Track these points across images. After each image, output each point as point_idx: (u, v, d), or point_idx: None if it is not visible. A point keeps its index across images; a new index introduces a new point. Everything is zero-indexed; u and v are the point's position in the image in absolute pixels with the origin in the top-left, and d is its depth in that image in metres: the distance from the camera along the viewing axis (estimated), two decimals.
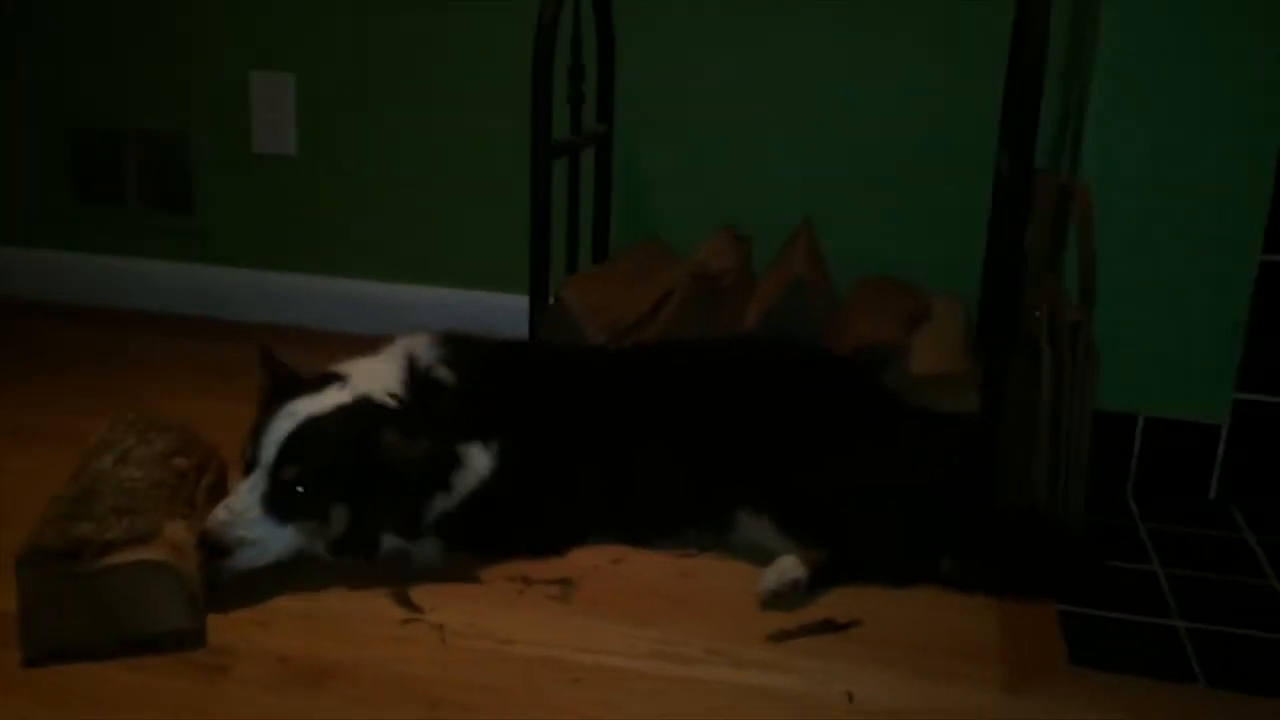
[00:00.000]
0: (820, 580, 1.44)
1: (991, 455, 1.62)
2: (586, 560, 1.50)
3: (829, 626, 1.38)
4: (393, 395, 1.44)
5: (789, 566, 1.43)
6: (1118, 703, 1.26)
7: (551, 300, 1.90)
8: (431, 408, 1.45)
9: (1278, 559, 1.56)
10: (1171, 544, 1.59)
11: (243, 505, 1.36)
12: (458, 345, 1.55)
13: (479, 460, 1.46)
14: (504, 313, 2.03)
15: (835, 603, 1.42)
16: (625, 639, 1.34)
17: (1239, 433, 1.70)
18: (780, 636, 1.36)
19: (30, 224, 2.54)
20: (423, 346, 1.53)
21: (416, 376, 1.48)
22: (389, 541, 1.44)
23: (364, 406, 1.42)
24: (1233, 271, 1.67)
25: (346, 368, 1.49)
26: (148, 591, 1.25)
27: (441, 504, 1.44)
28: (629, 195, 2.24)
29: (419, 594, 1.41)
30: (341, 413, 1.40)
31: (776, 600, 1.41)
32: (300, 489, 1.37)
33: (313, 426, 1.39)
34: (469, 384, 1.50)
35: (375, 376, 1.46)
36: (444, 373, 1.50)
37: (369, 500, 1.39)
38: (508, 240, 2.04)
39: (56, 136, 2.48)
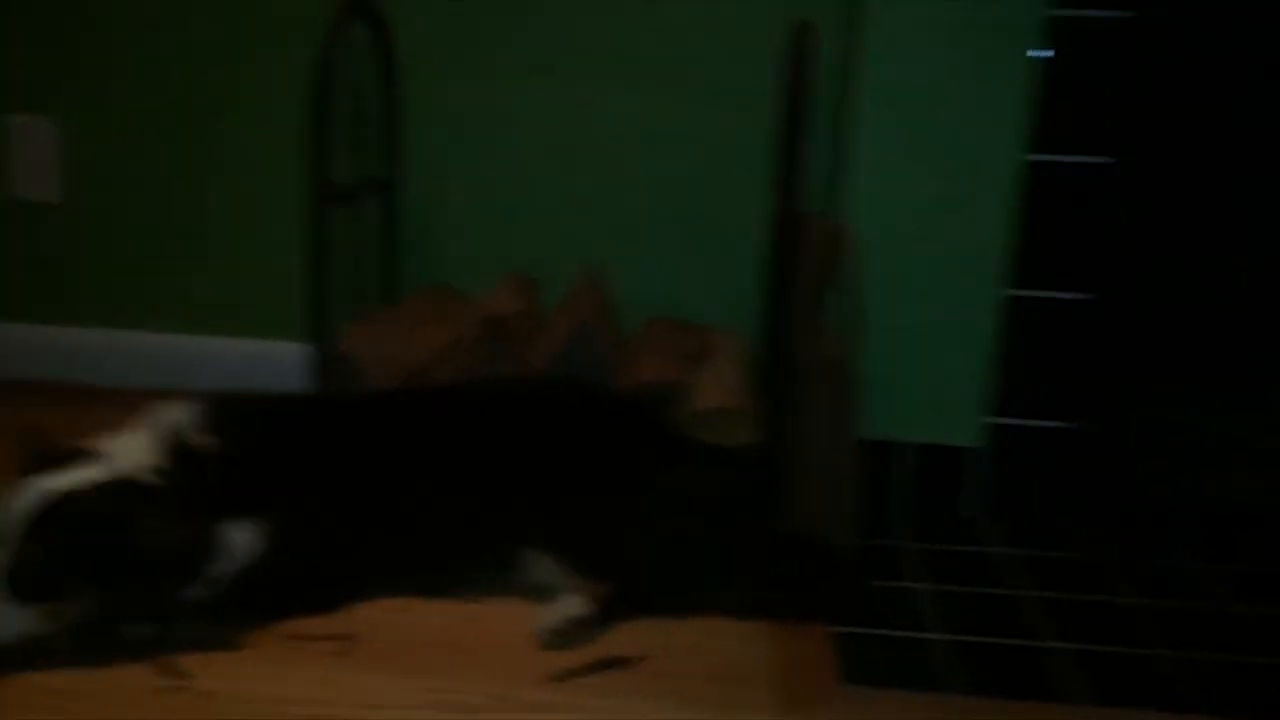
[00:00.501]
0: (605, 617, 1.45)
1: (771, 486, 1.68)
2: (367, 613, 1.47)
3: (613, 663, 1.40)
4: (152, 472, 1.37)
5: (571, 604, 1.44)
6: (886, 716, 1.33)
7: (336, 348, 1.86)
8: (192, 485, 1.38)
9: (1033, 571, 1.67)
10: (934, 563, 1.69)
11: None
12: (221, 408, 1.48)
13: (244, 540, 1.40)
14: (288, 362, 1.97)
15: (620, 639, 1.44)
16: (405, 691, 1.32)
17: (994, 455, 1.83)
18: (564, 676, 1.36)
19: None
20: (183, 414, 1.45)
21: (176, 449, 1.41)
22: (139, 628, 1.37)
23: (119, 486, 1.34)
24: (983, 306, 1.79)
25: (105, 441, 1.41)
26: None
27: (201, 590, 1.38)
28: (416, 241, 2.23)
29: (183, 660, 1.35)
30: (94, 492, 1.33)
31: (559, 640, 1.42)
32: (43, 570, 1.29)
33: (62, 505, 1.30)
34: (234, 452, 1.43)
35: (133, 451, 1.39)
36: (207, 441, 1.43)
37: (119, 586, 1.32)
38: (288, 286, 1.99)
39: None
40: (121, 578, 1.32)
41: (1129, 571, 1.68)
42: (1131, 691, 1.40)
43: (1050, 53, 1.68)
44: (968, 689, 1.39)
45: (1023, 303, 1.77)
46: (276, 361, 2.07)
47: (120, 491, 1.34)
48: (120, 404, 1.51)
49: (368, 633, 1.43)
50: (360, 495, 1.50)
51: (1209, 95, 1.71)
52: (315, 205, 1.82)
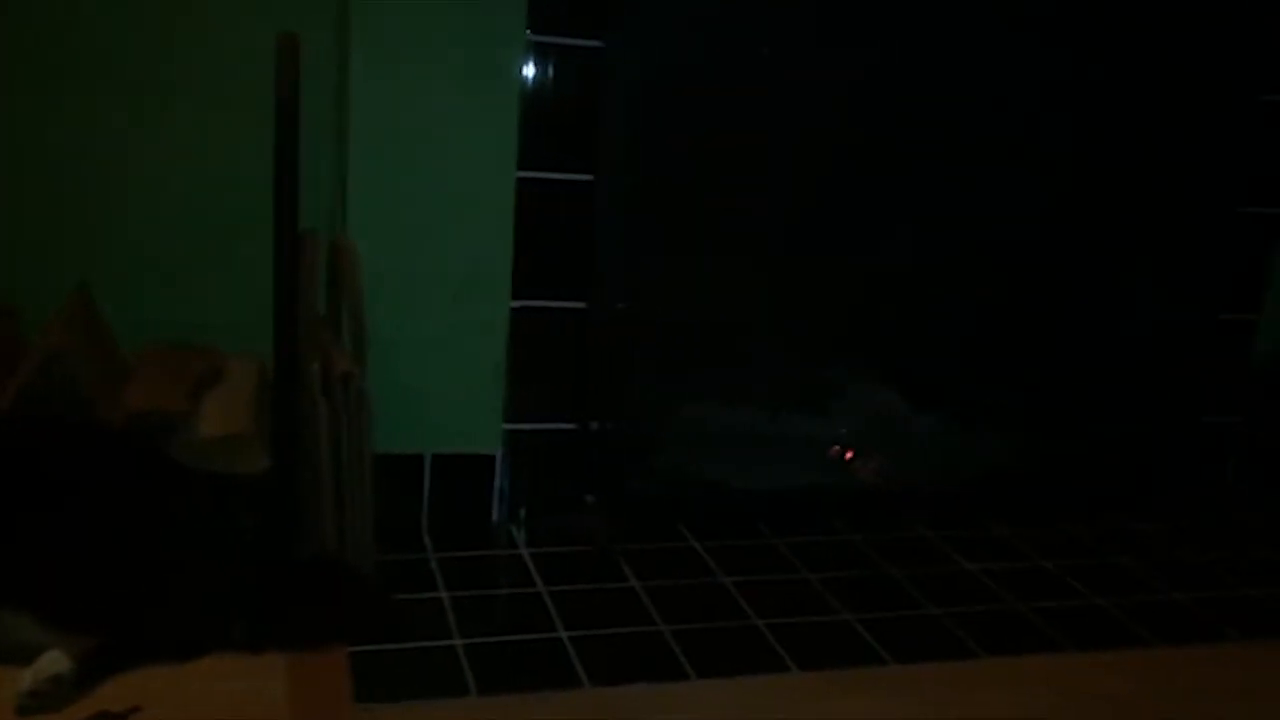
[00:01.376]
0: (94, 671, 1.33)
1: (283, 511, 1.63)
2: None
3: (104, 718, 1.29)
4: None
5: (50, 661, 1.31)
6: None
7: None
8: None
9: (549, 568, 1.76)
10: (458, 569, 1.73)
11: None
12: None
13: None
14: None
15: (113, 693, 1.33)
16: None
17: (511, 460, 1.90)
18: None
19: None
20: None
21: None
22: None
23: None
24: (491, 317, 1.86)
25: None
26: None
27: None
28: None
29: None
30: None
31: (37, 702, 1.28)
32: None
33: None
34: None
35: None
36: None
37: None
38: None
39: None
40: None
41: (639, 556, 1.81)
42: (635, 669, 1.51)
43: (532, 74, 1.78)
44: (484, 689, 1.43)
45: (526, 312, 1.86)
46: None
47: None
48: None
49: None
50: None
51: (676, 112, 1.89)
52: None
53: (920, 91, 1.97)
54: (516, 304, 1.85)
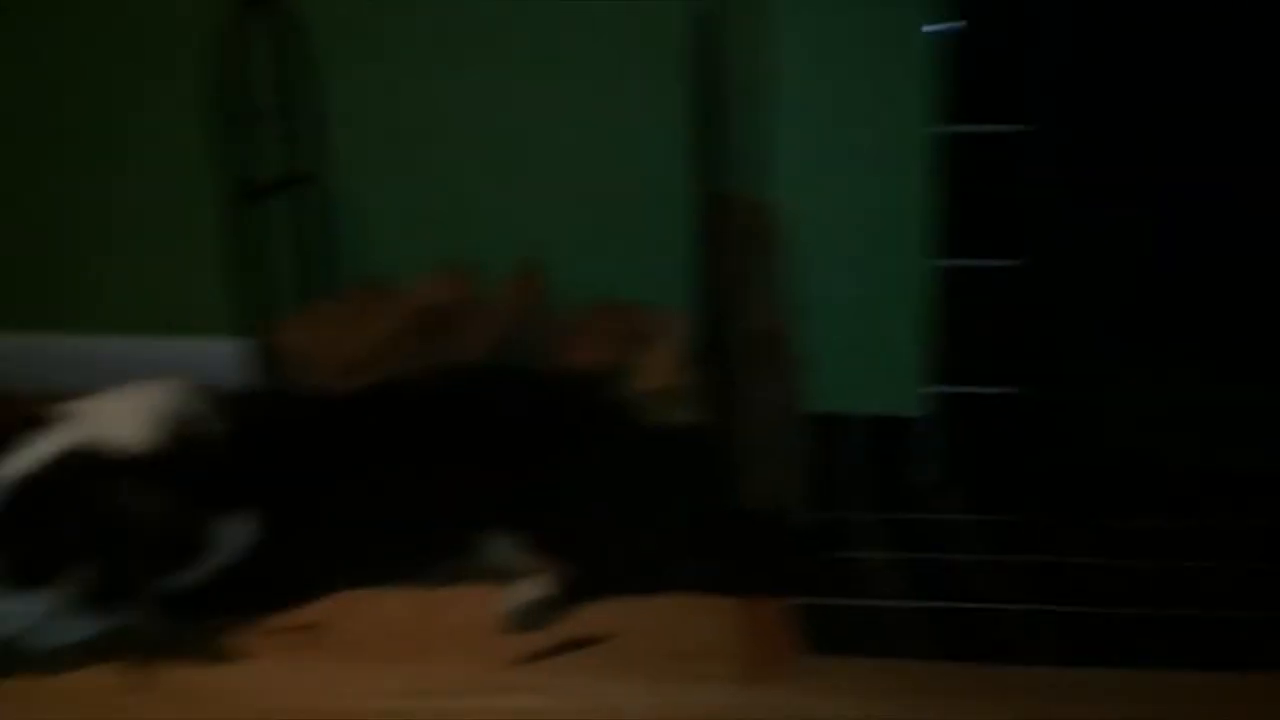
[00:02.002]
0: (568, 597, 1.46)
1: (719, 463, 1.71)
2: (332, 604, 1.46)
3: (579, 643, 1.41)
4: (133, 444, 1.32)
5: (532, 587, 1.45)
6: (855, 683, 1.35)
7: (275, 344, 1.84)
8: (185, 464, 1.34)
9: (986, 536, 1.70)
10: (887, 531, 1.72)
11: None
12: (211, 396, 1.44)
13: (230, 533, 1.39)
14: (218, 359, 1.94)
15: (586, 619, 1.45)
16: (375, 679, 1.31)
17: (939, 423, 1.88)
18: (531, 658, 1.37)
19: None
20: (177, 394, 1.41)
21: (171, 427, 1.36)
22: (125, 608, 1.34)
23: (88, 457, 1.29)
24: (915, 276, 1.84)
25: (69, 409, 1.35)
26: None
27: (181, 580, 1.36)
28: (349, 236, 2.20)
29: (160, 658, 1.32)
30: (61, 468, 1.28)
31: (524, 621, 1.43)
32: (32, 560, 1.26)
33: (28, 492, 1.26)
34: (226, 440, 1.41)
35: (110, 420, 1.33)
36: (200, 425, 1.40)
37: (109, 554, 1.29)
38: (223, 285, 1.96)
39: None
40: (109, 550, 1.28)
41: (1080, 532, 1.72)
42: (1090, 651, 1.44)
43: (960, 25, 1.73)
44: (926, 654, 1.43)
45: (954, 272, 1.83)
46: (209, 358, 2.02)
47: (91, 467, 1.29)
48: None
49: (334, 624, 1.42)
50: (335, 489, 1.48)
51: (1126, 55, 1.78)
52: (233, 203, 1.80)
53: None
54: (946, 263, 1.82)
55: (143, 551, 1.31)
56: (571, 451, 1.57)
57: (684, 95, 2.03)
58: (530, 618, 1.43)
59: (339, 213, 2.16)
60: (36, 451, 1.28)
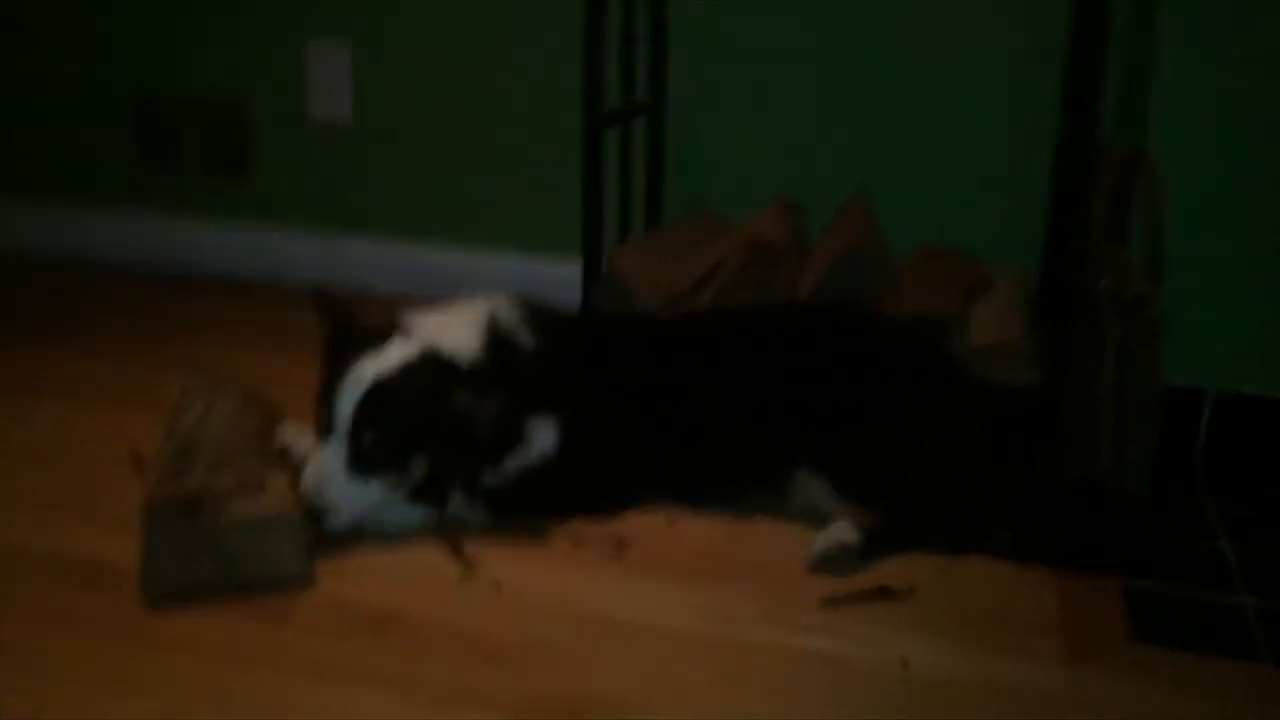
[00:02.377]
0: (874, 547, 1.42)
1: (1052, 427, 1.60)
2: (640, 521, 1.50)
3: (883, 594, 1.37)
4: (466, 353, 1.43)
5: (841, 530, 1.42)
6: (1180, 679, 1.23)
7: (604, 268, 1.89)
8: (508, 373, 1.44)
9: None
10: (1240, 522, 1.55)
11: (329, 469, 1.38)
12: (535, 312, 1.54)
13: (542, 436, 1.46)
14: (555, 280, 2.03)
15: (890, 570, 1.41)
16: (678, 599, 1.34)
17: None
18: (833, 602, 1.34)
19: (95, 185, 2.57)
20: (504, 309, 1.52)
21: (497, 339, 1.47)
22: (455, 497, 1.45)
23: (433, 363, 1.41)
24: None
25: (413, 319, 1.48)
26: (268, 541, 1.31)
27: (496, 476, 1.45)
28: (681, 164, 2.23)
29: (474, 550, 1.42)
30: (410, 372, 1.40)
31: (827, 564, 1.40)
32: (378, 450, 1.38)
33: (383, 391, 1.38)
34: (544, 353, 1.49)
35: (448, 331, 1.45)
36: (524, 339, 1.50)
37: (443, 450, 1.41)
38: (562, 208, 2.04)
39: (121, 101, 2.51)
40: (445, 443, 1.40)
41: None
42: None
43: None
44: (1275, 661, 1.27)
45: None
46: (544, 278, 2.12)
47: (435, 369, 1.40)
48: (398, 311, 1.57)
49: (638, 539, 1.46)
50: (647, 410, 1.53)
51: None
52: (587, 127, 1.85)
53: None
54: None
55: (472, 447, 1.41)
56: (894, 399, 1.51)
57: (1057, 31, 1.89)
58: (835, 563, 1.40)
59: (675, 141, 2.19)
60: (390, 356, 1.41)
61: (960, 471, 1.47)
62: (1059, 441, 1.58)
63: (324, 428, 1.40)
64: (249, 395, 1.56)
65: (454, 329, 1.47)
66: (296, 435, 1.54)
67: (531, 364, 1.48)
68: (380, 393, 1.38)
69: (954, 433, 1.49)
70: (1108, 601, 1.37)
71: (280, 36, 2.39)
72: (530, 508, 1.48)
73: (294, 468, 1.44)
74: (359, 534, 1.42)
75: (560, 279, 2.00)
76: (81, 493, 1.53)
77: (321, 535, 1.38)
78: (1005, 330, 1.75)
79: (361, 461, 1.39)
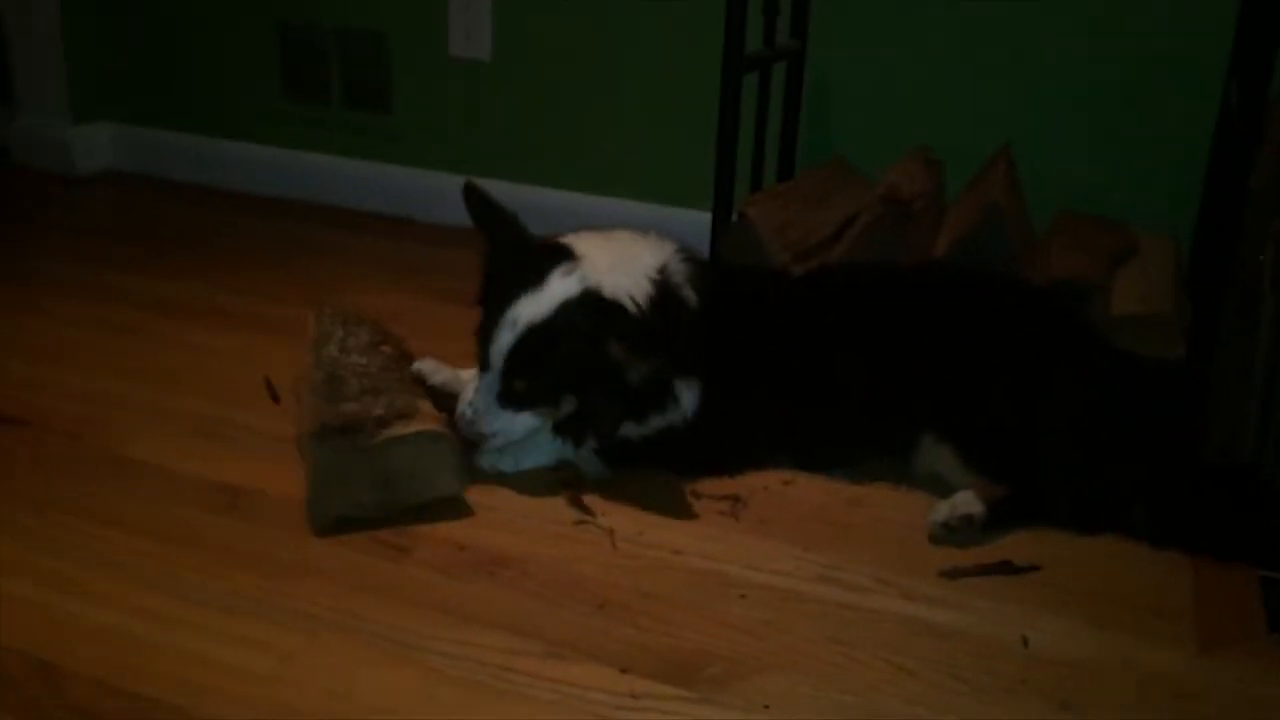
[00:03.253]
0: (998, 519, 1.38)
1: (1197, 405, 1.52)
2: (757, 480, 1.49)
3: (1006, 568, 1.33)
4: (632, 303, 1.38)
5: (965, 501, 1.38)
6: None
7: (735, 217, 1.86)
8: (670, 331, 1.41)
9: None
10: None
11: (484, 403, 1.40)
12: (702, 269, 1.50)
13: (688, 397, 1.45)
14: (684, 227, 2.00)
15: (1014, 544, 1.37)
16: (793, 560, 1.33)
17: None
18: (953, 573, 1.32)
19: (239, 118, 2.65)
20: (676, 263, 1.47)
21: (666, 294, 1.42)
22: (590, 440, 1.45)
23: (594, 307, 1.37)
24: None
25: (582, 246, 1.43)
26: (422, 460, 1.35)
27: (638, 429, 1.44)
28: (818, 113, 2.17)
29: (592, 499, 1.43)
30: (569, 313, 1.37)
31: (947, 534, 1.37)
32: (531, 391, 1.40)
33: (538, 336, 1.37)
34: (704, 314, 1.45)
35: (618, 273, 1.40)
36: (689, 296, 1.45)
37: (595, 393, 1.40)
38: (693, 154, 2.01)
39: (265, 32, 2.56)
40: (597, 383, 1.39)
41: None
42: None
43: None
44: None
45: None
46: (673, 225, 2.10)
47: (594, 314, 1.37)
48: None
49: (755, 499, 1.45)
50: (778, 372, 1.50)
51: None
52: (727, 73, 1.81)
53: None
54: None
55: (624, 394, 1.40)
56: (1030, 368, 1.46)
57: None
58: (956, 533, 1.37)
59: (812, 90, 2.13)
60: (549, 294, 1.38)
61: (1094, 446, 1.42)
62: (1202, 421, 1.50)
63: (481, 364, 1.41)
64: (379, 328, 1.59)
65: (625, 272, 1.41)
66: (434, 369, 1.55)
67: (692, 325, 1.44)
68: (536, 338, 1.37)
69: (1089, 405, 1.44)
70: (1245, 590, 1.31)
71: None
72: (663, 464, 1.47)
73: (434, 398, 1.47)
74: (471, 475, 1.44)
75: (689, 226, 1.98)
76: (219, 416, 1.58)
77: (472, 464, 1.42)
78: (1152, 300, 1.67)
79: (514, 400, 1.40)
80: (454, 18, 2.40)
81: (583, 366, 1.38)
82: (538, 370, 1.38)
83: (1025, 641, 1.21)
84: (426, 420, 1.37)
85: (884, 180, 1.93)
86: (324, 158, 2.58)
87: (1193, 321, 1.63)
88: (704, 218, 1.89)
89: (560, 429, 1.44)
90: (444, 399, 1.50)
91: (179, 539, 1.31)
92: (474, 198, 1.48)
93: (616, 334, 1.37)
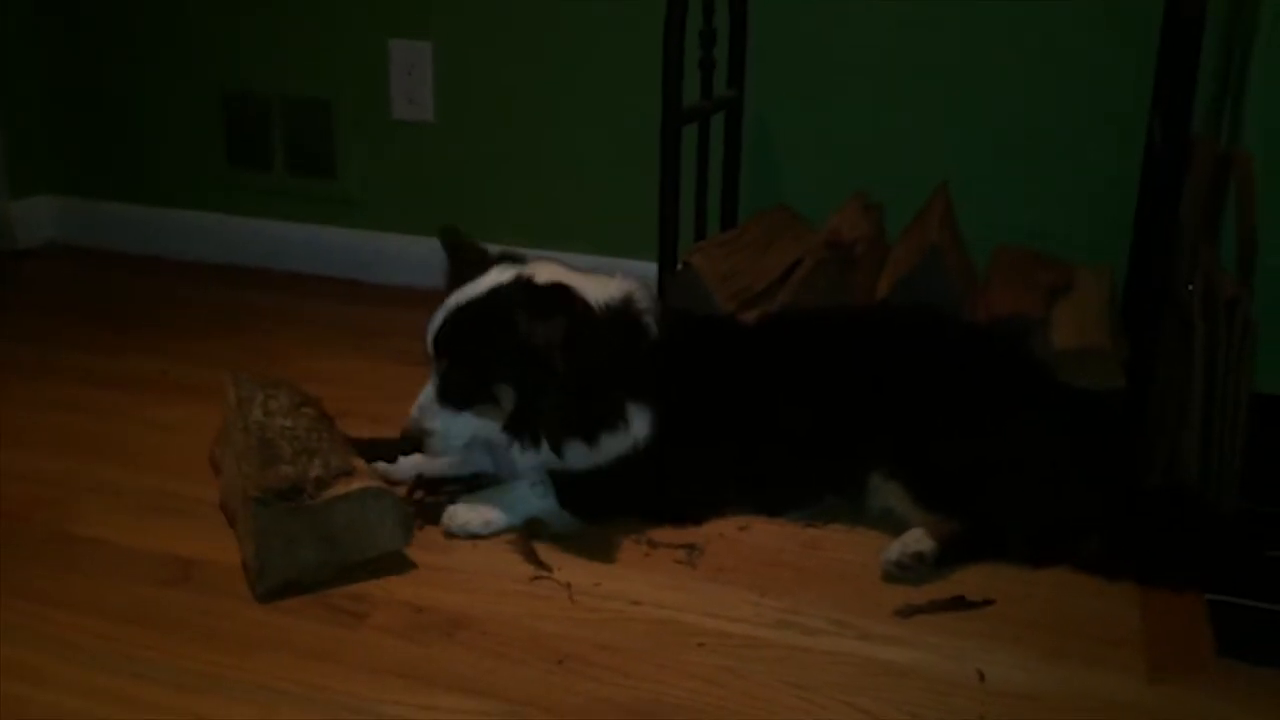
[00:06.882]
0: (951, 555, 1.40)
1: (1138, 433, 1.56)
2: (712, 527, 1.50)
3: (959, 604, 1.35)
4: (595, 301, 1.42)
5: (915, 539, 1.40)
6: (1265, 696, 1.20)
7: (680, 266, 1.89)
8: (628, 349, 1.44)
9: None
10: None
11: (425, 399, 1.42)
12: (661, 306, 1.55)
13: (639, 422, 1.46)
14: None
15: (967, 580, 1.39)
16: (750, 606, 1.33)
17: None
18: (908, 611, 1.33)
19: (183, 187, 2.64)
20: (641, 293, 1.50)
21: (629, 315, 1.46)
22: (536, 446, 1.44)
23: (521, 289, 1.40)
24: None
25: (542, 263, 1.47)
26: (366, 517, 1.35)
27: (590, 458, 1.45)
28: (758, 161, 2.21)
29: (547, 553, 1.43)
30: (494, 295, 1.40)
31: (900, 572, 1.38)
32: (461, 376, 1.40)
33: (460, 314, 1.40)
34: (662, 346, 1.48)
35: (576, 281, 1.43)
36: (651, 326, 1.48)
37: (528, 381, 1.39)
38: (637, 206, 2.04)
39: (210, 101, 2.56)
40: (529, 370, 1.38)
41: None
42: None
43: None
44: None
45: None
46: None
47: (511, 292, 1.40)
48: None
49: (712, 546, 1.46)
50: (728, 415, 1.52)
51: None
52: (666, 125, 1.84)
53: None
54: None
55: (560, 393, 1.38)
56: (974, 404, 1.49)
57: (1148, 24, 1.84)
58: (909, 571, 1.39)
59: (751, 139, 2.17)
60: (483, 282, 1.42)
61: (1042, 479, 1.44)
62: (1144, 448, 1.53)
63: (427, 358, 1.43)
64: (296, 389, 1.59)
65: (588, 287, 1.44)
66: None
67: (650, 353, 1.46)
68: (461, 316, 1.40)
69: (1036, 439, 1.46)
70: (1193, 615, 1.33)
71: (362, 34, 2.42)
72: (623, 506, 1.49)
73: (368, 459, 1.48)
74: (423, 536, 1.44)
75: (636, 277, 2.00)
76: (170, 490, 1.57)
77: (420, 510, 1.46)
78: (1090, 333, 1.71)
79: (451, 395, 1.41)
80: (396, 82, 2.43)
81: (510, 349, 1.37)
82: (463, 351, 1.39)
83: (981, 676, 1.22)
84: (365, 478, 1.37)
85: (825, 225, 1.97)
86: (271, 224, 2.58)
87: (1130, 352, 1.67)
88: (652, 268, 1.91)
89: (510, 430, 1.43)
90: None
91: (131, 616, 1.30)
92: (447, 233, 1.52)
93: (533, 311, 1.36)
